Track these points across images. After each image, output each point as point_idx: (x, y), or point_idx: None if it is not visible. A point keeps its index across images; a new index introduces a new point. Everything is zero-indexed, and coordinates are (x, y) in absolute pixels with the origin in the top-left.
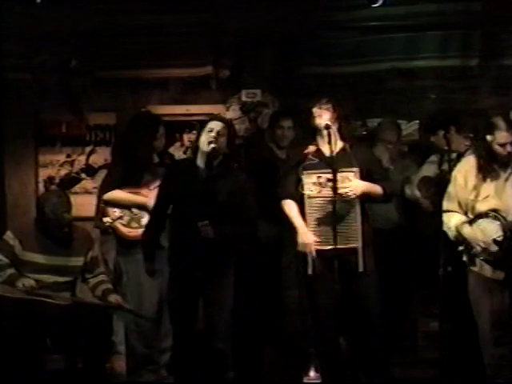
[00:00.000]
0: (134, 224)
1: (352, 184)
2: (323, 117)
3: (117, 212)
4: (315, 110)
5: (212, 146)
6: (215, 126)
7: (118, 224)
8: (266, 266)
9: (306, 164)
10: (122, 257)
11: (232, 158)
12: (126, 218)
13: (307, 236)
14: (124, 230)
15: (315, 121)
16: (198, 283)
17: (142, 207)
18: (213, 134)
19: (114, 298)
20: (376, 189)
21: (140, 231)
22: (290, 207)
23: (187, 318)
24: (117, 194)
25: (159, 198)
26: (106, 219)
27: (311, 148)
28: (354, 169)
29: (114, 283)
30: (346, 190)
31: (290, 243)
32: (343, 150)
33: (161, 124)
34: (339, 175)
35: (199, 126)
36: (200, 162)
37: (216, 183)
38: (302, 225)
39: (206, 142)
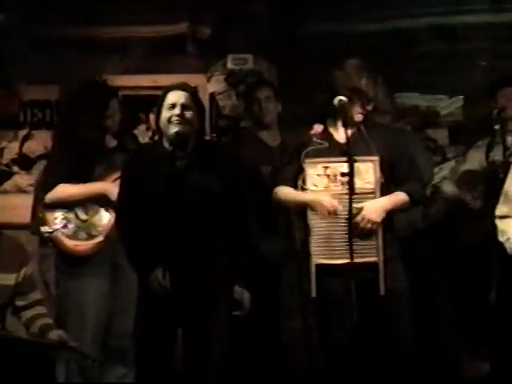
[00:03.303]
0: (82, 234)
1: (368, 210)
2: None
3: (59, 218)
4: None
5: (176, 129)
6: (177, 97)
7: (60, 235)
8: (259, 290)
9: (310, 149)
10: (65, 276)
11: (204, 138)
12: (72, 227)
13: (320, 197)
14: (69, 243)
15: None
16: (177, 313)
17: (99, 200)
18: (177, 112)
19: (56, 334)
20: (401, 200)
21: (91, 244)
22: (285, 191)
23: (160, 358)
24: (63, 191)
25: (122, 194)
26: (44, 229)
27: (317, 127)
28: (373, 157)
29: (56, 311)
30: (364, 223)
31: (289, 259)
32: (358, 131)
33: (112, 95)
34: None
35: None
36: (168, 147)
37: (191, 177)
38: (306, 193)
39: (167, 122)
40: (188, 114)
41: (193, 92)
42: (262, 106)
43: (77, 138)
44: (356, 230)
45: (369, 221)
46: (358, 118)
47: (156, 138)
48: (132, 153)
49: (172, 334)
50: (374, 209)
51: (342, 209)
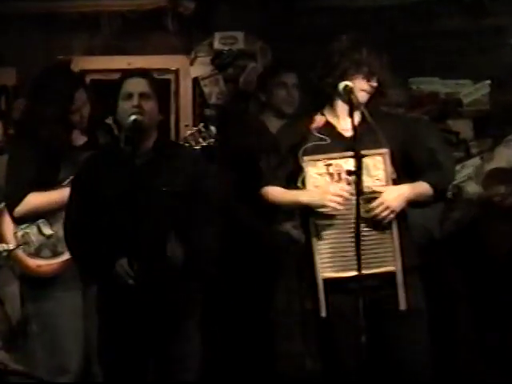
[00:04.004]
0: (46, 252)
1: (388, 195)
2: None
3: (18, 233)
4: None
5: (133, 118)
6: (134, 86)
7: (20, 253)
8: (250, 307)
9: (310, 146)
10: (29, 294)
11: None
12: (34, 244)
13: (318, 195)
14: (30, 262)
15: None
16: (143, 336)
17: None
18: (135, 102)
19: None
20: (423, 189)
21: (55, 263)
22: (275, 192)
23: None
24: (39, 201)
25: (73, 203)
26: (0, 247)
27: (318, 119)
28: (382, 150)
29: (14, 335)
30: (380, 210)
31: (287, 270)
32: (364, 121)
33: (79, 84)
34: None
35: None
36: (125, 144)
37: (150, 176)
38: (300, 193)
39: (125, 112)
40: (147, 104)
41: (151, 77)
42: (290, 93)
43: (37, 135)
44: (367, 214)
45: (387, 207)
46: (362, 97)
47: None
48: (82, 163)
49: (142, 361)
50: (395, 195)
51: (347, 196)
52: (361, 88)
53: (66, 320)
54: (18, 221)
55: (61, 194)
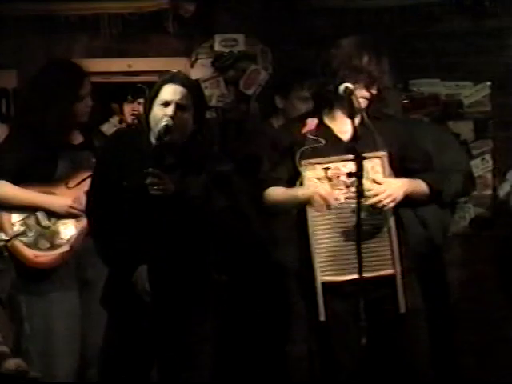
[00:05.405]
0: (44, 243)
1: (385, 186)
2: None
3: (16, 224)
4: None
5: (164, 123)
6: (173, 95)
7: (18, 244)
8: (264, 309)
9: (306, 149)
10: (24, 294)
11: (202, 136)
12: (32, 234)
13: (315, 188)
14: (28, 252)
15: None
16: (151, 337)
17: (51, 213)
18: (169, 113)
19: (13, 363)
20: (420, 186)
21: (53, 254)
22: (276, 191)
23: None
24: (9, 191)
25: (94, 190)
26: None
27: (310, 122)
28: (380, 153)
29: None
30: (380, 198)
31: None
32: (362, 124)
33: (86, 75)
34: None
35: (148, 90)
36: (154, 142)
37: (175, 176)
38: (298, 189)
39: (159, 120)
40: (183, 115)
41: (193, 87)
42: (309, 106)
43: (37, 126)
44: (366, 206)
45: (389, 195)
46: (362, 103)
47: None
48: (111, 138)
49: (147, 364)
50: (397, 186)
51: (342, 200)
52: (360, 95)
53: (60, 322)
54: None
55: (20, 195)
